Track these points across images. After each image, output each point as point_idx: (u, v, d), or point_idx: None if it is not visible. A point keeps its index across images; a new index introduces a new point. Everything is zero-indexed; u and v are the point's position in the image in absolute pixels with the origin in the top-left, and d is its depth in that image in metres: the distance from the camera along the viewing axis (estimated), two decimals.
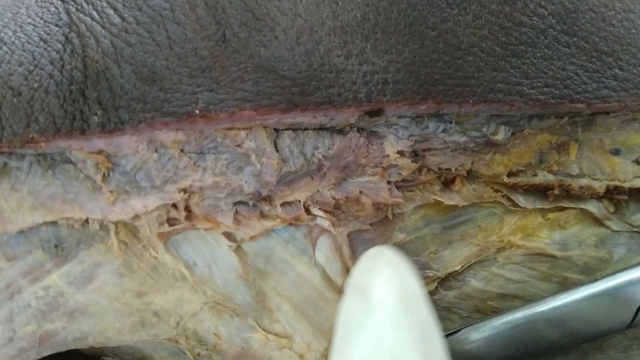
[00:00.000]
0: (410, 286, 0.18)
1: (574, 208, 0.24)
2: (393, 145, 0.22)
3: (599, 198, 0.24)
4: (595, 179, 0.24)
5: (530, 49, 0.21)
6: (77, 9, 0.20)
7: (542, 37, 0.21)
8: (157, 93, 0.19)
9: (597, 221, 0.24)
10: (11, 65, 0.20)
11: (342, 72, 0.20)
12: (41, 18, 0.21)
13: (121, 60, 0.19)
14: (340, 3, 0.20)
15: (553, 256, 0.24)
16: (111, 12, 0.20)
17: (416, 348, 0.16)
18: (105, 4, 0.20)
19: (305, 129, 0.22)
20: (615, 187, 0.24)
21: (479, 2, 0.21)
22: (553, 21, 0.21)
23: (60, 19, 0.20)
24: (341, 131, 0.22)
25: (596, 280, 0.22)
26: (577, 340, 0.22)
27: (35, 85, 0.19)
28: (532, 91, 0.21)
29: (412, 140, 0.22)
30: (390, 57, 0.20)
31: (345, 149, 0.22)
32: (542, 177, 0.24)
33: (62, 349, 0.23)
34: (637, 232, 0.25)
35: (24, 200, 0.21)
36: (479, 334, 0.22)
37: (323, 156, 0.22)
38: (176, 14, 0.20)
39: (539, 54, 0.21)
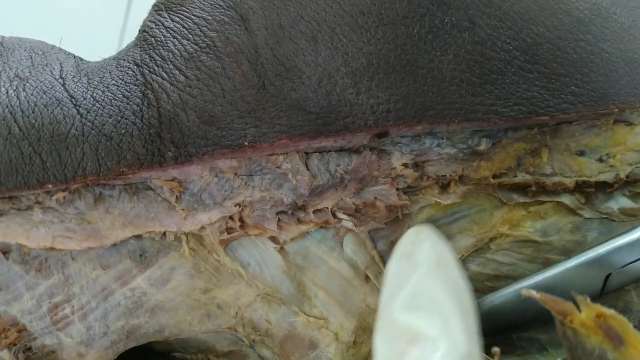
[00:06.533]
0: (448, 255, 0.21)
1: (551, 201, 0.27)
2: (398, 160, 0.26)
3: (571, 192, 0.27)
4: (566, 177, 0.27)
5: (500, 77, 0.25)
6: (149, 71, 0.26)
7: (510, 67, 0.25)
8: (216, 132, 0.25)
9: (571, 211, 0.27)
10: (103, 118, 0.25)
11: (355, 105, 0.25)
12: (122, 79, 0.26)
13: (187, 109, 0.25)
14: (350, 54, 0.25)
15: (536, 242, 0.27)
16: (177, 72, 0.26)
17: (452, 297, 0.19)
18: (172, 67, 0.26)
19: (329, 151, 0.26)
20: (584, 182, 0.27)
21: (456, 45, 0.25)
22: (517, 54, 0.25)
23: (137, 79, 0.26)
24: (357, 151, 0.26)
25: (570, 257, 0.25)
26: None
27: (123, 131, 0.25)
28: (505, 110, 0.25)
29: (413, 155, 0.26)
30: (391, 92, 0.25)
31: (361, 164, 0.26)
32: (521, 177, 0.27)
33: (144, 340, 0.28)
34: (606, 218, 0.27)
35: (116, 220, 0.26)
36: (479, 309, 0.25)
37: (344, 171, 0.26)
38: (227, 70, 0.25)
39: (507, 80, 0.25)
